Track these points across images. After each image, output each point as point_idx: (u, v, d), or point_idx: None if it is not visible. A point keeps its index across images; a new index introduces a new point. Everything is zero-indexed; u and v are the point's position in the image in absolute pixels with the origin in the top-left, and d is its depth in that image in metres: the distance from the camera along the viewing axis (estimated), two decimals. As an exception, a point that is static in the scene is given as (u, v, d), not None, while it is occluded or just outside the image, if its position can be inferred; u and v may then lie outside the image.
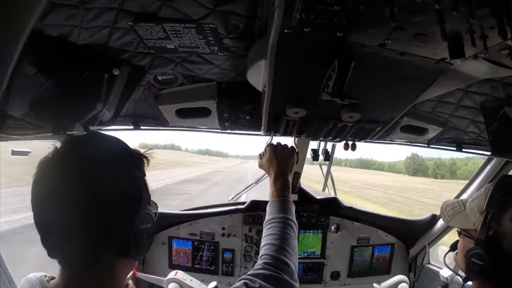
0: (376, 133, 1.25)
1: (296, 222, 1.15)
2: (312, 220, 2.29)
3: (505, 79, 1.17)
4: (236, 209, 2.31)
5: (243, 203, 2.36)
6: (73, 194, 0.70)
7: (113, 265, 0.77)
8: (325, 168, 2.35)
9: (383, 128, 1.22)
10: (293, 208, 1.20)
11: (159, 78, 1.38)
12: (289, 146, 1.40)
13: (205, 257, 2.28)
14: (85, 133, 1.22)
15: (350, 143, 1.40)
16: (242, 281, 0.91)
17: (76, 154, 0.76)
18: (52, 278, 0.78)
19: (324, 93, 0.87)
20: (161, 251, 2.27)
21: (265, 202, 1.22)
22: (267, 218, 1.17)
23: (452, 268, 1.45)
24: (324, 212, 2.31)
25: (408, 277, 2.35)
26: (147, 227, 0.79)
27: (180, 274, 1.77)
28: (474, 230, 1.09)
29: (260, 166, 1.42)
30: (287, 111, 1.04)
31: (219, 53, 1.11)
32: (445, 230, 2.22)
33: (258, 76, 1.07)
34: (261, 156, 1.43)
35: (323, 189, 2.45)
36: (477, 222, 1.07)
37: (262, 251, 1.05)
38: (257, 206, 2.28)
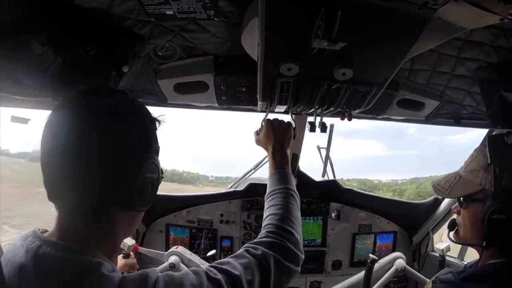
0: (371, 97, 1.27)
1: (297, 193, 1.14)
2: (312, 206, 2.28)
3: (496, 42, 1.18)
4: (234, 191, 2.30)
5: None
6: (81, 140, 0.71)
7: (113, 217, 0.76)
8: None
9: (377, 92, 1.23)
10: (293, 180, 1.20)
11: (159, 53, 1.42)
12: (286, 121, 1.41)
13: (203, 245, 2.26)
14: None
15: (346, 113, 1.41)
16: (244, 248, 0.91)
17: (88, 102, 0.77)
18: (45, 231, 0.77)
19: (314, 40, 0.89)
20: (158, 239, 2.25)
21: (264, 186, 1.21)
22: (268, 190, 1.16)
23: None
24: (324, 198, 2.29)
25: (412, 267, 2.30)
26: (152, 176, 0.78)
27: (181, 249, 1.77)
28: (480, 191, 1.07)
29: (257, 142, 1.43)
30: (281, 68, 1.07)
31: (215, 18, 1.15)
32: (448, 213, 2.18)
33: (253, 37, 1.10)
34: (257, 132, 1.44)
35: (323, 175, 2.44)
36: (483, 181, 1.05)
37: (265, 221, 1.04)
38: (256, 191, 2.27)
